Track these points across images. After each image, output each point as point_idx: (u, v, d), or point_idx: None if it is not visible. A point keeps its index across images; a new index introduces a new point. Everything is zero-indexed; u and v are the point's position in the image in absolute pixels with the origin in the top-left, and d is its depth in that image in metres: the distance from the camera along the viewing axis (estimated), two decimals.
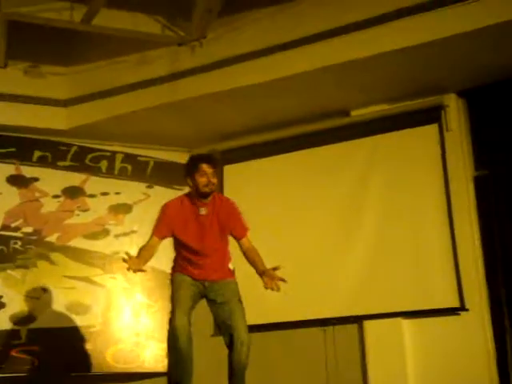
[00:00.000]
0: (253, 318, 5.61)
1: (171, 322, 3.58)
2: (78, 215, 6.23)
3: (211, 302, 3.76)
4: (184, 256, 3.79)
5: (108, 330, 5.98)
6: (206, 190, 3.70)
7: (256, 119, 6.00)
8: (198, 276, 3.74)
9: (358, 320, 5.41)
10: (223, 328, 3.68)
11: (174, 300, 3.68)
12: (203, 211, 3.74)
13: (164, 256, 6.17)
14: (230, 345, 3.60)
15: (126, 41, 5.52)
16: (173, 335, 3.54)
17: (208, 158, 3.79)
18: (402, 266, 5.31)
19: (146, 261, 3.77)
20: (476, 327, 5.03)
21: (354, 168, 5.72)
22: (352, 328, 5.45)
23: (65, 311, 5.92)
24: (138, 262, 3.65)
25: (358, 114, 5.78)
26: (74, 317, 5.91)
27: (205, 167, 3.70)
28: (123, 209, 6.34)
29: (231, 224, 3.81)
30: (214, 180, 3.73)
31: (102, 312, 6.02)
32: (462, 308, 5.06)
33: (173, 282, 3.80)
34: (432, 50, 4.81)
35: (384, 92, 5.55)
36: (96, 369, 5.87)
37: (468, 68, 5.14)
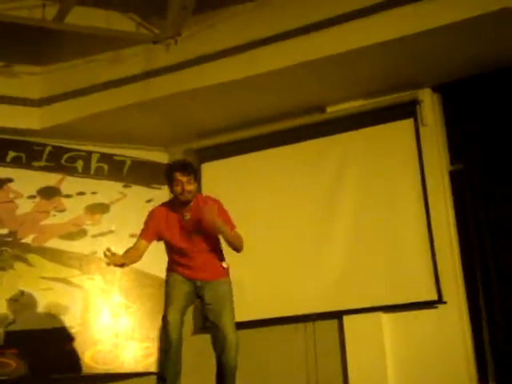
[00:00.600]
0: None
1: (164, 318, 3.66)
2: (55, 216, 6.17)
3: (202, 301, 3.83)
4: (174, 258, 3.89)
5: (87, 331, 5.93)
6: (182, 198, 3.75)
7: (232, 116, 5.99)
8: (189, 276, 3.81)
9: (337, 315, 5.43)
10: (212, 328, 3.75)
11: (166, 297, 3.76)
12: (187, 216, 3.80)
13: (144, 256, 6.20)
14: (218, 346, 3.67)
15: (100, 39, 5.46)
16: (164, 330, 3.61)
17: (181, 166, 3.79)
18: (380, 260, 5.34)
19: (131, 260, 3.84)
20: (454, 320, 5.08)
21: (331, 164, 5.73)
22: (332, 323, 5.47)
23: (43, 313, 5.87)
24: (119, 258, 3.67)
25: (334, 109, 5.80)
26: (52, 318, 5.85)
27: (178, 176, 3.74)
28: (100, 208, 6.29)
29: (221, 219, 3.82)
30: (190, 187, 3.74)
31: (80, 313, 5.97)
32: (440, 301, 5.10)
33: (166, 281, 3.89)
34: (407, 44, 4.84)
35: (360, 87, 5.57)
36: (75, 370, 5.82)
37: (443, 63, 5.17)
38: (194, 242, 3.82)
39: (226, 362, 3.65)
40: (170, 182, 3.80)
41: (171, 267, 3.92)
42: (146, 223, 3.92)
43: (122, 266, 3.75)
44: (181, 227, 3.82)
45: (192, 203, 3.81)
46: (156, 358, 6.02)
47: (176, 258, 3.87)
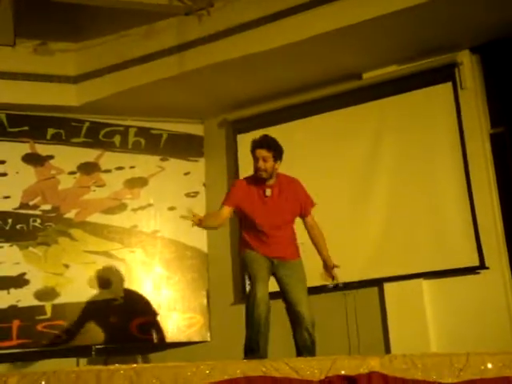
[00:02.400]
0: (274, 285, 5.73)
1: (252, 293, 3.69)
2: (95, 191, 6.28)
3: (279, 280, 3.89)
4: (251, 233, 3.90)
5: (130, 303, 6.06)
6: (262, 174, 3.81)
7: (267, 86, 5.95)
8: (266, 253, 3.86)
9: (378, 283, 5.42)
10: (288, 307, 3.82)
11: (252, 273, 3.77)
12: (268, 192, 3.86)
13: (181, 228, 6.31)
14: (296, 325, 3.78)
15: (133, 13, 5.46)
16: (254, 305, 3.66)
17: (260, 142, 3.84)
18: (420, 226, 5.30)
19: (208, 224, 3.85)
20: (497, 285, 5.02)
21: (369, 131, 5.67)
22: (372, 291, 5.47)
23: (87, 286, 6.01)
24: (198, 217, 3.69)
25: (370, 76, 5.71)
26: (96, 291, 6.00)
27: (257, 152, 3.81)
28: (139, 183, 6.37)
29: (301, 200, 3.94)
30: (267, 165, 3.78)
31: (122, 285, 6.09)
32: (482, 266, 5.05)
33: (245, 258, 3.89)
34: (442, 5, 4.72)
35: (396, 52, 5.46)
36: (122, 340, 5.97)
37: (480, 23, 5.03)
38: (272, 219, 3.85)
39: (302, 339, 3.76)
40: (253, 157, 3.85)
41: (247, 244, 3.91)
42: (229, 193, 3.95)
43: (199, 225, 3.73)
44: (261, 202, 3.86)
45: (273, 180, 3.86)
46: (198, 327, 6.14)
47: (253, 234, 3.89)
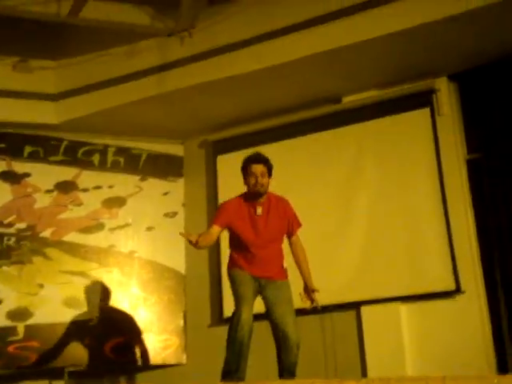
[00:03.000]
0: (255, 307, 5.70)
1: (237, 315, 3.68)
2: (72, 210, 6.22)
3: (266, 300, 3.87)
4: (240, 252, 3.90)
5: (105, 324, 5.97)
6: (255, 190, 3.83)
7: (248, 108, 5.98)
8: (254, 273, 3.85)
9: (355, 306, 5.43)
10: (274, 327, 3.80)
11: (238, 294, 3.78)
12: (259, 211, 3.87)
13: (159, 248, 6.27)
14: (281, 345, 3.76)
15: (115, 32, 5.48)
16: (237, 326, 3.64)
17: (256, 159, 3.90)
18: (397, 250, 5.33)
19: (205, 242, 3.84)
20: (472, 309, 5.06)
21: (348, 154, 5.72)
22: (349, 314, 5.46)
23: (62, 306, 5.92)
24: (195, 236, 3.75)
25: (350, 100, 5.77)
26: (71, 311, 5.90)
27: (253, 168, 3.85)
28: (117, 202, 6.33)
29: (289, 220, 3.95)
30: (264, 180, 3.83)
31: (99, 306, 6.01)
32: (458, 290, 5.08)
33: (232, 277, 3.89)
34: (422, 33, 4.81)
35: (375, 77, 5.54)
36: (95, 362, 5.87)
37: (458, 51, 5.13)
38: (262, 238, 3.85)
39: (287, 360, 3.74)
40: (245, 174, 3.88)
41: (235, 263, 3.91)
42: (219, 211, 3.95)
43: (195, 244, 3.75)
44: (252, 221, 3.86)
45: (264, 199, 3.88)
46: (174, 349, 6.07)
47: (242, 253, 3.89)
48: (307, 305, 3.93)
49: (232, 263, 3.95)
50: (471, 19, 4.63)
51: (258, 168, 3.84)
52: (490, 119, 5.30)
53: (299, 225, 4.04)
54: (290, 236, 4.01)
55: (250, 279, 3.83)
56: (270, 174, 3.90)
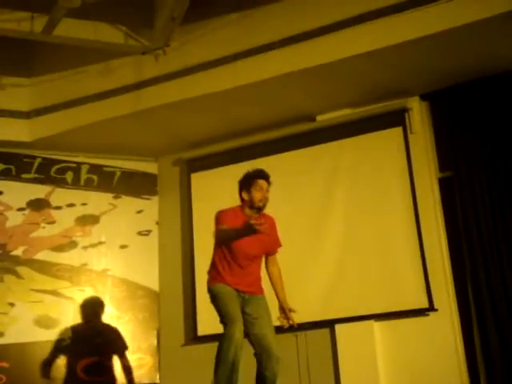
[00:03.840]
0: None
1: (229, 334, 3.64)
2: (44, 228, 6.15)
3: (247, 315, 3.84)
4: (225, 264, 3.86)
5: (78, 343, 5.88)
6: (260, 204, 3.91)
7: (222, 126, 6.01)
8: (239, 287, 3.84)
9: (329, 324, 5.43)
10: (256, 341, 3.80)
11: (227, 312, 3.74)
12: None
13: (133, 266, 6.22)
14: (262, 359, 3.75)
15: (89, 50, 5.45)
16: (230, 347, 3.60)
17: (264, 175, 3.97)
18: (370, 268, 5.36)
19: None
20: (445, 326, 5.10)
21: (321, 173, 5.75)
22: (324, 332, 5.46)
23: (33, 325, 5.83)
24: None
25: (324, 118, 5.82)
26: (43, 331, 5.81)
27: (261, 183, 3.92)
28: (90, 220, 6.27)
29: (272, 238, 3.98)
30: (267, 196, 3.91)
31: (71, 325, 5.93)
32: (431, 308, 5.12)
33: (217, 293, 3.85)
34: (393, 54, 4.88)
35: (348, 96, 5.60)
36: (67, 382, 5.77)
37: (430, 71, 5.22)
38: (251, 250, 3.87)
39: (267, 372, 3.74)
40: (250, 187, 3.91)
41: (220, 276, 3.86)
42: (221, 216, 3.88)
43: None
44: None
45: (259, 214, 3.92)
46: (148, 368, 6.00)
47: (229, 266, 3.85)
48: (284, 323, 3.94)
49: (215, 277, 3.89)
50: (443, 40, 4.72)
51: (265, 184, 3.93)
52: (461, 138, 5.37)
53: (280, 245, 4.09)
54: (268, 255, 4.04)
55: (235, 294, 3.83)
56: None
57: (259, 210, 3.93)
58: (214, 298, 3.86)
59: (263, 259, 4.05)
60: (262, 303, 3.91)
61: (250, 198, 3.91)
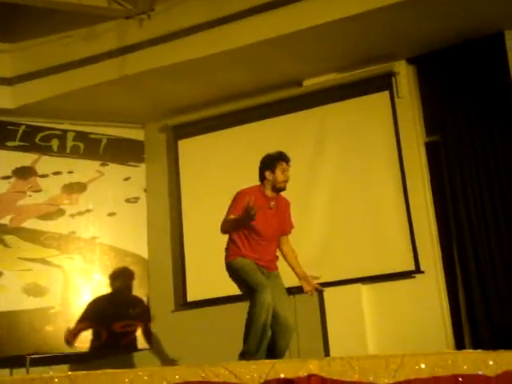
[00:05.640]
0: (213, 292, 5.71)
1: (260, 299, 3.77)
2: (31, 196, 6.12)
3: None
4: (245, 240, 4.01)
5: (68, 311, 5.92)
6: (282, 186, 4.07)
7: (208, 92, 5.96)
8: (259, 262, 4.01)
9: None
10: (274, 313, 3.89)
11: (253, 280, 3.88)
12: (272, 204, 4.06)
13: (121, 234, 6.23)
14: (278, 328, 3.92)
15: (72, 15, 5.38)
16: (261, 312, 3.76)
17: (287, 157, 4.10)
18: (358, 232, 5.40)
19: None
20: (431, 288, 5.18)
21: (309, 137, 5.75)
22: (312, 296, 5.50)
23: (22, 294, 5.84)
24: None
25: (310, 83, 5.79)
26: (32, 299, 5.83)
27: (284, 165, 4.06)
28: (77, 188, 6.25)
29: (287, 219, 4.17)
30: (288, 179, 4.06)
31: (60, 293, 5.95)
32: (418, 271, 5.19)
33: (239, 265, 3.99)
34: (380, 17, 4.84)
35: (335, 61, 5.57)
36: (58, 349, 5.82)
37: (417, 34, 5.19)
38: (271, 229, 4.04)
39: (282, 341, 3.93)
40: (275, 167, 4.04)
41: (239, 251, 4.01)
42: (237, 200, 3.99)
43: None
44: (265, 212, 4.01)
45: (278, 195, 4.10)
46: (138, 334, 6.06)
47: (249, 243, 4.00)
48: (312, 291, 4.16)
49: (235, 252, 4.03)
50: (429, 3, 4.69)
51: (286, 166, 4.07)
52: (448, 102, 5.38)
53: (292, 226, 4.25)
54: (282, 235, 4.19)
55: (257, 267, 3.99)
56: None
57: (280, 190, 4.07)
58: (237, 271, 4.00)
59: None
60: (278, 279, 4.09)
61: (274, 178, 4.04)
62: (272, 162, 4.07)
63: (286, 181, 4.06)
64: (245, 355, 3.82)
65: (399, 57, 5.51)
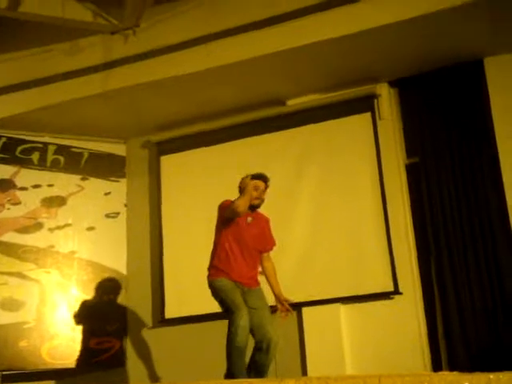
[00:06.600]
0: (192, 309, 5.67)
1: (236, 322, 3.88)
2: (9, 209, 6.05)
3: (248, 305, 4.05)
4: (226, 259, 4.11)
5: (43, 326, 5.84)
6: (255, 202, 4.20)
7: (192, 109, 5.97)
8: (239, 279, 4.10)
9: (296, 307, 5.46)
10: (256, 330, 4.02)
11: (231, 302, 3.99)
12: (249, 220, 4.20)
13: (100, 249, 6.17)
14: (262, 344, 4.01)
15: (57, 28, 5.36)
16: (237, 334, 3.86)
17: (262, 176, 4.27)
18: (338, 252, 5.41)
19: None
20: (409, 310, 5.19)
21: (291, 157, 5.77)
22: (291, 315, 5.49)
23: None
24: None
25: (294, 103, 5.83)
26: (6, 313, 5.74)
27: (258, 183, 4.20)
28: (57, 201, 6.19)
29: (267, 236, 4.31)
30: (263, 196, 4.23)
31: (36, 307, 5.87)
32: (396, 292, 5.20)
33: (219, 286, 4.09)
34: (364, 39, 4.90)
35: (319, 81, 5.62)
36: (32, 366, 5.73)
37: (399, 58, 5.26)
38: (249, 243, 4.15)
39: (266, 358, 4.01)
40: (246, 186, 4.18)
41: (220, 270, 4.11)
42: (226, 203, 4.18)
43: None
44: (242, 226, 4.16)
45: (254, 212, 4.25)
46: (114, 352, 5.98)
47: (228, 260, 4.10)
48: (282, 315, 4.23)
49: (216, 271, 4.12)
50: (412, 27, 4.76)
51: (262, 185, 4.22)
52: (428, 125, 5.45)
53: (274, 243, 4.37)
54: (263, 251, 4.30)
55: (236, 286, 4.07)
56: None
57: (254, 208, 4.19)
58: (217, 291, 4.09)
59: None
60: (260, 294, 4.18)
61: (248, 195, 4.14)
62: (247, 181, 4.20)
63: (259, 198, 4.20)
64: (230, 377, 3.88)
65: (382, 79, 5.58)
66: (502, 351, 4.80)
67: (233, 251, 4.12)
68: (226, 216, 4.15)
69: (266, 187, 4.27)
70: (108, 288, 6.09)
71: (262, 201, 4.25)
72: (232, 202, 4.10)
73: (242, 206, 4.06)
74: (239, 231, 4.14)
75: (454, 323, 5.02)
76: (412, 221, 5.42)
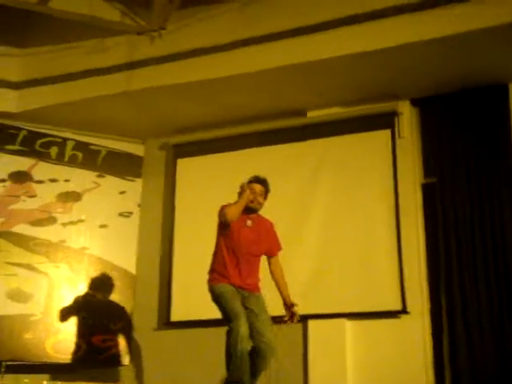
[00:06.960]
0: (198, 313, 5.65)
1: (235, 330, 3.86)
2: (25, 201, 6.09)
3: (247, 311, 4.05)
4: (226, 264, 4.09)
5: (49, 320, 5.86)
6: (251, 205, 4.14)
7: (212, 114, 5.99)
8: (239, 284, 4.08)
9: (302, 319, 5.44)
10: (254, 334, 3.99)
11: (231, 309, 3.97)
12: (249, 223, 4.16)
13: (110, 246, 6.19)
14: (260, 349, 3.99)
15: (84, 26, 5.42)
16: (237, 342, 3.84)
17: (259, 180, 4.23)
18: (348, 267, 5.38)
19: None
20: (415, 330, 5.14)
21: (307, 168, 5.76)
22: (296, 327, 5.47)
23: (4, 298, 5.78)
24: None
25: (314, 115, 5.82)
26: (14, 304, 5.77)
27: (255, 186, 4.17)
28: (72, 197, 6.23)
29: (271, 241, 4.27)
30: (260, 199, 4.17)
31: (44, 301, 5.89)
32: (404, 311, 5.16)
33: (220, 292, 4.07)
34: (389, 56, 4.90)
35: (341, 95, 5.61)
36: (35, 358, 5.75)
37: (422, 77, 5.24)
38: (249, 248, 4.12)
39: (261, 362, 3.99)
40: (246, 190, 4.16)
41: (221, 275, 4.10)
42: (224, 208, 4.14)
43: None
44: (242, 230, 4.13)
45: (254, 215, 4.20)
46: (118, 350, 5.99)
47: (228, 265, 4.08)
48: (287, 319, 4.19)
49: (216, 276, 4.11)
50: (437, 47, 4.75)
51: (258, 188, 4.16)
52: (448, 146, 5.41)
53: (280, 248, 4.32)
54: (270, 256, 4.28)
55: (236, 292, 4.05)
56: (265, 196, 4.23)
57: (251, 210, 4.14)
58: (217, 297, 4.07)
59: (261, 261, 4.26)
60: (260, 300, 4.15)
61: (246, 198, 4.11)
62: (245, 186, 4.18)
63: (254, 201, 4.14)
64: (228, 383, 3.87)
65: (404, 97, 5.56)
66: (510, 377, 4.74)
67: (230, 258, 4.09)
68: (220, 221, 4.14)
69: (266, 191, 4.22)
70: (116, 286, 6.10)
71: (260, 204, 4.19)
72: (224, 208, 4.09)
73: (231, 213, 4.02)
74: (235, 237, 4.09)
75: (460, 347, 4.97)
76: (425, 241, 5.38)
